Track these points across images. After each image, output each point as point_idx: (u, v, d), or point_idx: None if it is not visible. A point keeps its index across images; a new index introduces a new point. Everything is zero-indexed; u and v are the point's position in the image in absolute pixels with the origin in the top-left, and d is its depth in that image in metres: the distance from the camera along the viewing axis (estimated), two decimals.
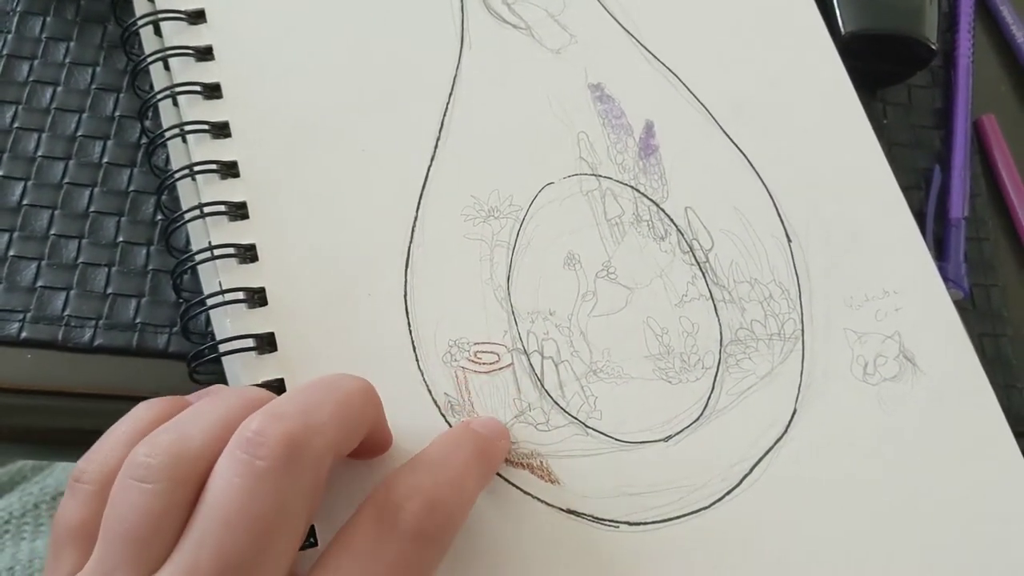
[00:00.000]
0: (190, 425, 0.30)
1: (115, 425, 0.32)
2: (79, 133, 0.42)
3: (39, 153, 0.42)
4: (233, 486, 0.28)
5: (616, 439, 0.37)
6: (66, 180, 0.41)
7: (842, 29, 0.47)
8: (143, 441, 0.29)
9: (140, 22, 0.41)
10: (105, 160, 0.42)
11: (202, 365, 0.37)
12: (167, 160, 0.40)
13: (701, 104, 0.43)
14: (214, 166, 0.38)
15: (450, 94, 0.42)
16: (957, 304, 0.41)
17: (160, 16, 0.41)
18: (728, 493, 0.36)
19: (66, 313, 0.39)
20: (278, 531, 0.28)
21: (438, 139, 0.41)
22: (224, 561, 0.27)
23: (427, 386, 0.37)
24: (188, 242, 0.39)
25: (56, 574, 0.29)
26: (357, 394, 0.32)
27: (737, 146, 0.43)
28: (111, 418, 0.33)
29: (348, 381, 0.32)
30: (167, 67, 0.41)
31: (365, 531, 0.29)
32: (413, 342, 0.37)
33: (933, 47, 0.47)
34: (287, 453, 0.28)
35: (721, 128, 0.43)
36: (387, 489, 0.30)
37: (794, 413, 0.38)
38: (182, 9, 0.41)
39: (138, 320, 0.39)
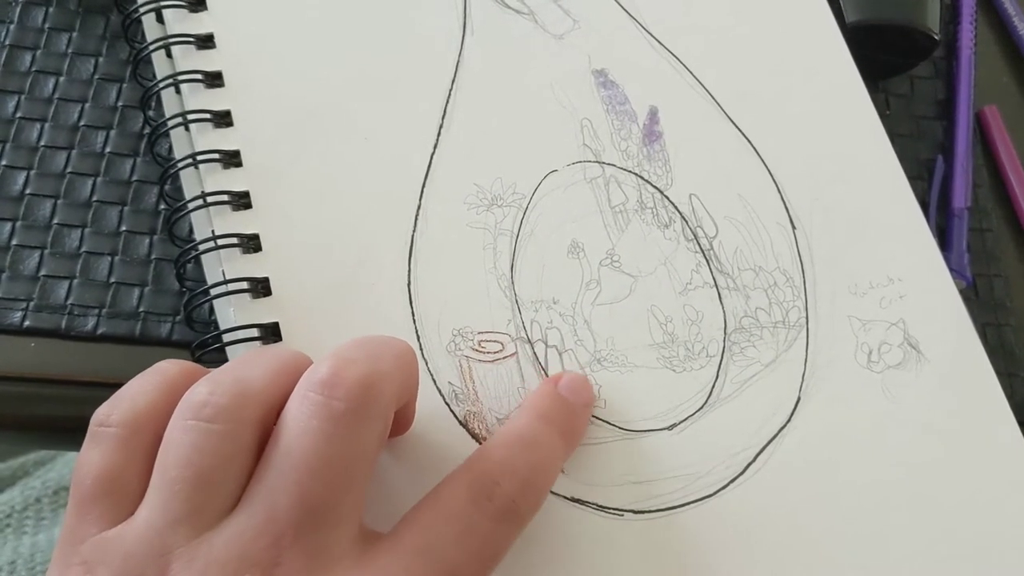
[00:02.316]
0: (246, 369, 0.29)
1: (138, 376, 0.31)
2: (82, 123, 0.42)
3: (42, 143, 0.42)
4: (311, 428, 0.27)
5: (620, 427, 0.37)
6: (69, 170, 0.41)
7: (845, 19, 0.47)
8: (202, 380, 0.29)
9: (142, 9, 0.41)
10: (108, 150, 0.42)
11: (206, 354, 0.37)
12: (170, 149, 0.40)
13: (705, 90, 0.43)
14: (217, 155, 0.38)
15: (452, 81, 0.42)
16: (960, 294, 0.41)
17: (162, 4, 0.41)
18: (733, 481, 0.36)
19: (69, 302, 0.39)
20: (354, 476, 0.27)
21: (440, 127, 0.41)
22: (303, 506, 0.26)
23: (431, 375, 0.36)
24: (191, 231, 0.39)
25: (84, 530, 0.27)
26: (408, 350, 0.32)
27: (742, 132, 0.42)
28: None
29: (398, 341, 0.32)
30: (169, 55, 0.41)
31: (460, 498, 0.29)
32: (417, 331, 0.37)
33: (936, 37, 0.47)
34: (363, 396, 0.28)
35: (726, 114, 0.43)
36: (485, 460, 0.31)
37: (798, 401, 0.38)
38: None
39: (141, 309, 0.39)
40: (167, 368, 0.31)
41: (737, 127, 0.43)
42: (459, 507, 0.29)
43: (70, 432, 0.39)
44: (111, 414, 0.29)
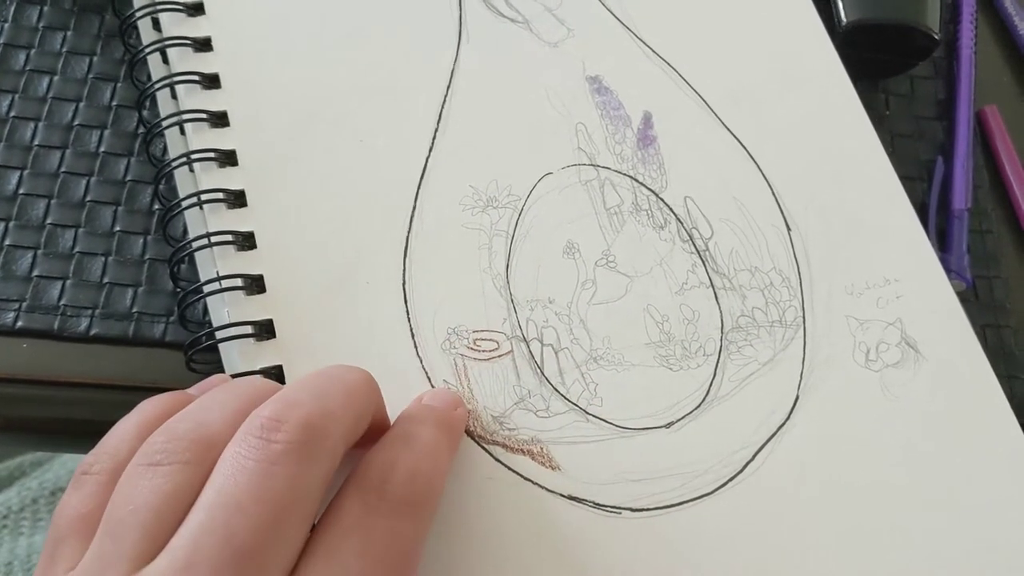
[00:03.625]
0: (206, 413, 0.29)
1: (121, 421, 0.31)
2: (76, 122, 0.42)
3: (36, 142, 0.42)
4: (246, 468, 0.26)
5: (617, 426, 0.36)
6: (63, 169, 0.41)
7: (844, 19, 0.47)
8: (159, 429, 0.28)
9: (138, 14, 0.41)
10: (102, 149, 0.42)
11: (199, 353, 0.36)
12: (164, 150, 0.40)
13: (699, 95, 0.43)
14: (213, 154, 0.38)
15: (448, 85, 0.42)
16: (960, 295, 0.41)
17: (159, 8, 0.41)
18: (730, 479, 0.36)
19: (62, 302, 0.39)
20: (290, 519, 0.26)
21: (436, 129, 0.41)
22: (231, 547, 0.25)
23: (426, 373, 0.36)
24: (185, 231, 0.39)
25: (52, 569, 0.27)
26: (362, 384, 0.31)
27: (736, 136, 0.42)
28: (107, 408, 0.33)
29: (351, 372, 0.31)
30: (165, 60, 0.41)
31: (351, 507, 0.29)
32: (412, 330, 0.37)
33: (936, 37, 0.47)
34: (305, 437, 0.27)
35: (719, 119, 0.43)
36: (366, 466, 0.30)
37: (796, 399, 0.38)
38: (180, 0, 0.41)
39: (135, 309, 0.39)
40: (148, 410, 0.31)
41: (731, 132, 0.43)
42: (354, 518, 0.28)
43: (63, 434, 0.39)
44: (94, 464, 0.29)
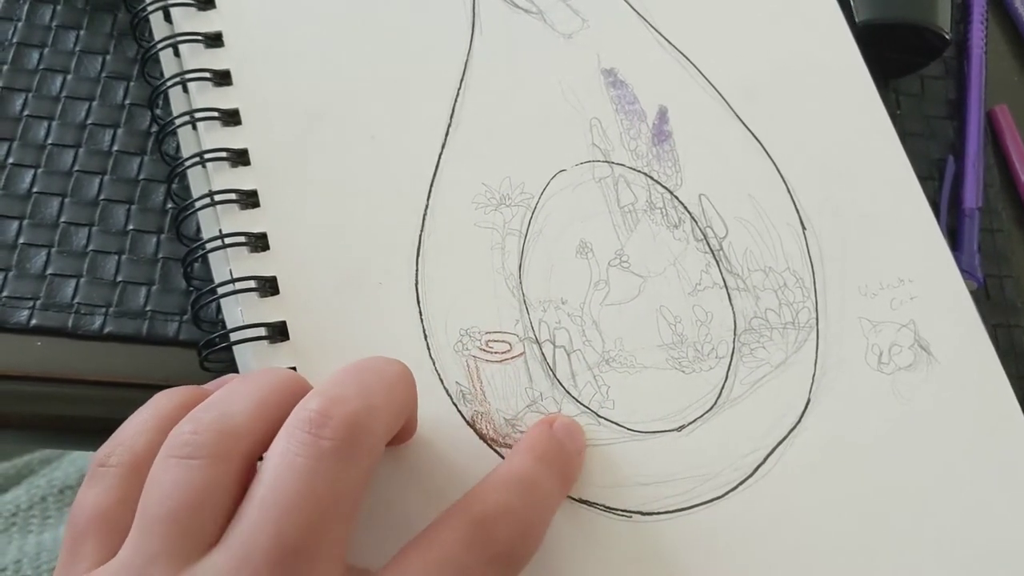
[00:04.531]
0: (229, 404, 0.29)
1: (135, 413, 0.31)
2: (89, 121, 0.42)
3: (49, 141, 0.42)
4: (295, 465, 0.27)
5: (629, 429, 0.36)
6: (76, 168, 0.41)
7: (856, 18, 0.47)
8: (185, 419, 0.28)
9: (150, 8, 0.41)
10: (115, 148, 0.42)
11: (213, 353, 0.36)
12: (177, 148, 0.40)
13: (715, 90, 0.43)
14: (225, 153, 0.38)
15: (461, 80, 0.41)
16: (971, 295, 0.41)
17: (170, 3, 0.41)
18: (741, 483, 0.36)
19: (76, 301, 0.39)
20: (338, 516, 0.27)
21: (449, 126, 0.40)
22: (281, 546, 0.26)
23: (438, 375, 0.36)
24: (199, 230, 0.39)
25: (75, 566, 0.27)
26: (402, 378, 0.31)
27: (752, 133, 0.42)
28: (120, 406, 0.33)
29: (392, 366, 0.31)
30: (177, 54, 0.40)
31: (454, 542, 0.28)
32: (424, 331, 0.37)
33: (947, 36, 0.47)
34: (351, 435, 0.27)
35: (736, 114, 0.42)
36: (481, 502, 0.30)
37: (808, 402, 0.38)
38: None
39: (148, 308, 0.39)
40: (163, 403, 0.31)
41: (747, 127, 0.42)
42: (454, 551, 0.28)
43: (75, 432, 0.39)
44: (111, 455, 0.29)
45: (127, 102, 0.43)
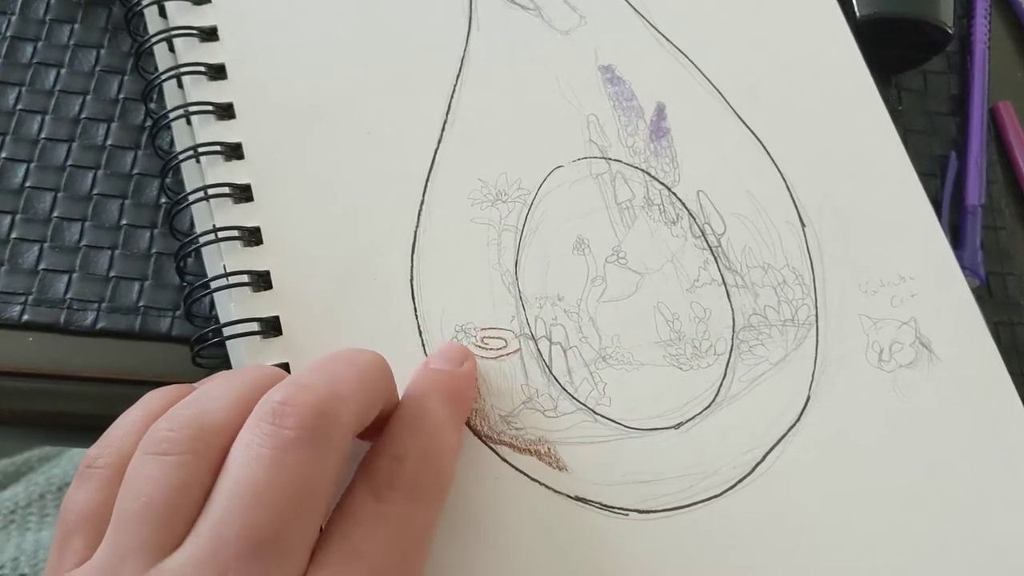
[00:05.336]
0: (209, 400, 0.29)
1: (125, 413, 0.31)
2: (83, 115, 0.42)
3: (42, 135, 0.41)
4: (261, 457, 0.27)
5: (626, 426, 0.36)
6: (69, 162, 0.41)
7: (857, 13, 0.46)
8: (163, 417, 0.28)
9: (145, 2, 0.40)
10: (109, 142, 0.42)
11: (205, 349, 0.36)
12: (171, 142, 0.40)
13: (713, 87, 0.43)
14: (219, 147, 0.38)
15: (457, 76, 0.41)
16: (973, 292, 0.40)
17: None
18: (740, 481, 0.36)
19: (68, 296, 0.39)
20: (306, 506, 0.27)
21: (445, 122, 0.40)
22: (250, 538, 0.26)
23: None
24: (192, 225, 0.39)
25: (61, 564, 0.28)
26: (375, 367, 0.31)
27: (750, 129, 0.42)
28: (113, 402, 0.33)
29: (365, 355, 0.31)
30: (172, 48, 0.40)
31: (363, 499, 0.29)
32: (419, 327, 0.37)
33: (949, 31, 0.46)
34: (315, 423, 0.27)
35: (734, 111, 0.42)
36: (376, 457, 0.30)
37: (808, 400, 0.37)
38: None
39: (141, 303, 0.39)
40: (153, 403, 0.31)
41: (745, 124, 0.42)
42: (364, 507, 0.29)
43: (68, 428, 0.39)
44: (99, 456, 0.29)
45: (121, 96, 0.43)
